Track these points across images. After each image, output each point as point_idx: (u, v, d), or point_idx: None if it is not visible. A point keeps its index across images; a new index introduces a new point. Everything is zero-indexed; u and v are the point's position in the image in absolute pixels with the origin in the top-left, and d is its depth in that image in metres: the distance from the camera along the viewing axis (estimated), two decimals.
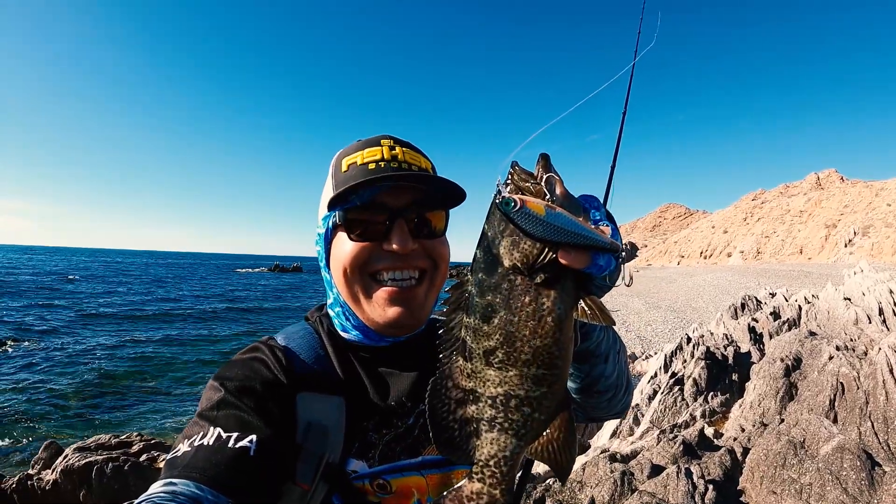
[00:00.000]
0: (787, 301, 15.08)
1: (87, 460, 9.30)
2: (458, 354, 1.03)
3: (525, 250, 0.91)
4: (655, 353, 19.79)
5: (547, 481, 7.07)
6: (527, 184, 0.97)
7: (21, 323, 35.26)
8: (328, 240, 1.47)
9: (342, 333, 1.53)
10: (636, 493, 5.80)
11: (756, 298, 17.35)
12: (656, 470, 6.40)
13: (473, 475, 1.05)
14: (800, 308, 13.74)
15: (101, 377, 21.66)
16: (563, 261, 0.89)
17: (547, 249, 0.90)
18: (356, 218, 1.39)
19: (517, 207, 0.89)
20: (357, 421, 1.37)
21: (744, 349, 12.12)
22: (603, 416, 1.62)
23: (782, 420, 7.04)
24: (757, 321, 13.79)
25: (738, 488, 6.11)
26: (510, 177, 0.99)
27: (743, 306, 16.89)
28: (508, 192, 0.94)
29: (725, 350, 11.65)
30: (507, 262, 0.93)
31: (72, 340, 29.81)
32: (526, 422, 1.00)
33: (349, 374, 1.45)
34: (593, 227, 0.94)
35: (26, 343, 28.09)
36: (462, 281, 1.02)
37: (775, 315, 14.05)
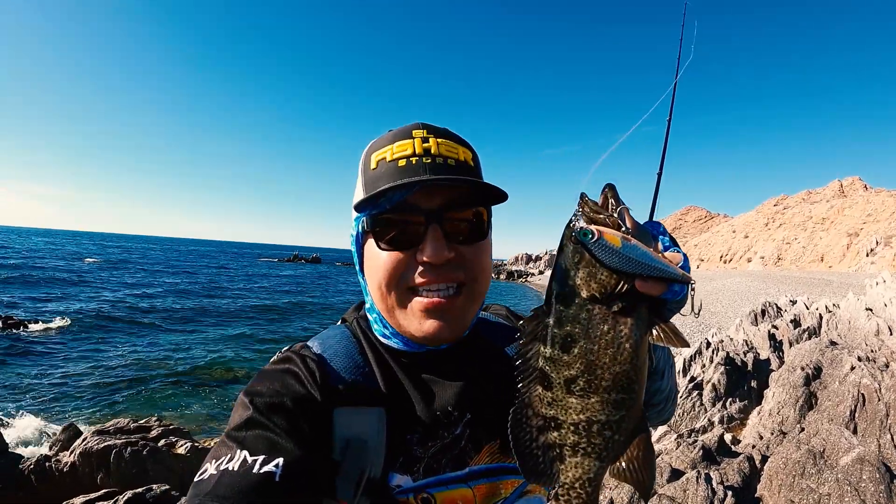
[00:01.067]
0: (807, 309, 15.03)
1: (105, 444, 9.23)
2: (537, 384, 1.06)
3: (602, 281, 0.96)
4: (674, 357, 19.73)
5: None
6: (600, 216, 1.00)
7: (43, 306, 35.59)
8: (359, 244, 1.38)
9: (382, 339, 1.44)
10: (655, 497, 5.88)
11: (776, 305, 17.27)
12: (676, 474, 6.47)
13: (560, 496, 1.08)
14: (820, 317, 13.69)
15: (122, 362, 21.78)
16: (640, 290, 0.94)
17: (624, 279, 0.95)
18: (386, 224, 1.29)
19: (595, 239, 0.94)
20: (400, 433, 1.30)
21: (763, 356, 12.09)
22: (652, 425, 1.64)
23: (802, 429, 7.09)
24: (777, 328, 13.75)
25: (756, 496, 6.17)
26: (580, 208, 1.01)
27: (763, 313, 16.82)
28: (583, 224, 0.98)
29: (745, 356, 11.63)
30: (584, 293, 0.97)
31: (94, 325, 30.01)
32: (608, 444, 1.04)
33: (390, 383, 1.36)
34: (664, 254, 1.00)
35: (47, 326, 28.32)
36: (538, 312, 1.05)
37: (795, 323, 14.01)
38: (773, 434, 7.88)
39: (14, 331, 26.52)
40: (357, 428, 1.27)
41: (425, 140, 1.31)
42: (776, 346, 12.80)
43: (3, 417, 14.61)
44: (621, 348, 0.98)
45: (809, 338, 12.38)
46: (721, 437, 7.90)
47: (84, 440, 9.60)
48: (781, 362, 11.41)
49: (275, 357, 1.41)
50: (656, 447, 8.62)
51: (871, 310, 12.18)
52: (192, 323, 33.87)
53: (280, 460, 1.08)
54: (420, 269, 1.27)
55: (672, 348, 1.58)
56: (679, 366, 13.24)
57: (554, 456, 1.07)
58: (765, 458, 6.86)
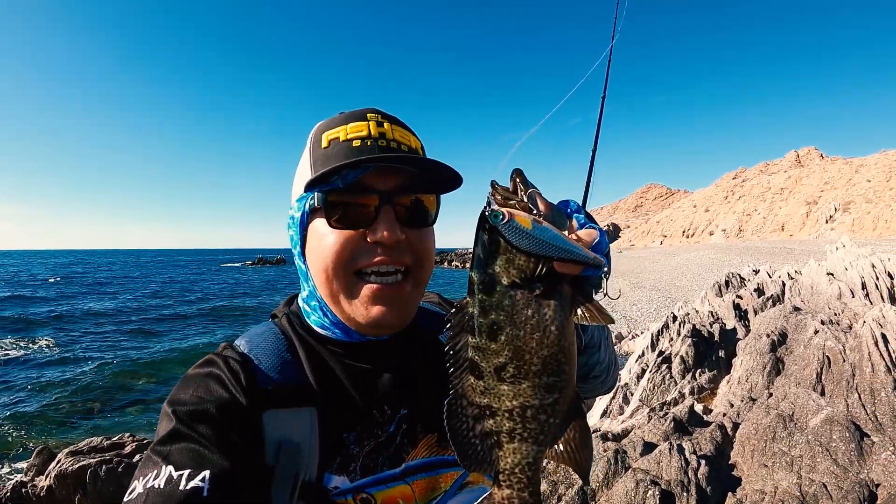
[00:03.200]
0: (770, 277, 15.24)
1: (80, 464, 9.15)
2: (469, 374, 1.04)
3: (521, 265, 0.95)
4: (641, 333, 19.95)
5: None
6: (511, 201, 1.01)
7: (6, 332, 34.94)
8: (303, 225, 1.33)
9: (318, 330, 1.40)
10: (630, 471, 5.88)
11: (740, 276, 17.50)
12: (649, 447, 6.48)
13: (501, 483, 1.08)
14: (783, 284, 13.89)
15: (90, 380, 21.48)
16: (559, 269, 0.93)
17: (541, 261, 0.94)
18: (338, 202, 1.25)
19: (506, 220, 0.92)
20: (335, 432, 1.26)
21: (729, 326, 12.24)
22: (595, 395, 1.63)
23: (770, 394, 7.16)
24: (741, 298, 13.93)
25: (730, 462, 6.21)
26: (492, 195, 1.02)
27: (727, 284, 17.01)
28: (498, 207, 0.97)
29: (711, 327, 11.75)
30: (505, 280, 0.96)
31: (56, 345, 29.55)
32: (543, 428, 1.03)
33: (322, 380, 1.31)
34: (578, 231, 1.02)
35: (9, 350, 27.81)
36: (462, 304, 1.02)
37: (759, 292, 14.19)
38: (742, 401, 7.96)
39: None
40: (288, 430, 1.21)
41: (380, 124, 1.30)
42: (741, 315, 12.96)
43: None
44: (547, 331, 0.97)
45: (773, 305, 12.54)
46: (692, 407, 7.96)
47: (59, 462, 9.57)
48: (748, 331, 11.54)
49: (198, 361, 1.34)
50: (629, 422, 8.67)
51: (832, 274, 12.38)
52: (159, 335, 33.63)
53: (206, 473, 1.04)
54: (370, 249, 1.25)
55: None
56: (647, 341, 13.36)
57: (492, 443, 1.06)
58: (736, 426, 6.91)
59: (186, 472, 1.03)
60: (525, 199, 1.01)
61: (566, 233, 0.99)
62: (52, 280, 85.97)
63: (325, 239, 1.25)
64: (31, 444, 14.03)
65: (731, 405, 8.12)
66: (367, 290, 1.25)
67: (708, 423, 7.35)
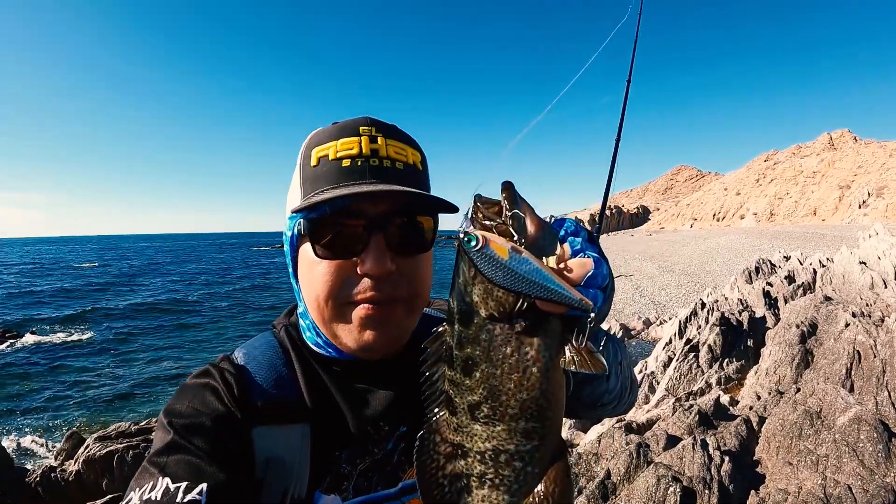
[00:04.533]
0: (801, 265, 15.00)
1: (107, 449, 9.36)
2: (444, 407, 0.96)
3: (499, 298, 0.84)
4: (670, 319, 19.79)
5: None
6: (491, 221, 0.88)
7: (37, 316, 35.62)
8: (294, 246, 1.27)
9: (313, 347, 1.34)
10: (652, 466, 5.83)
11: (770, 262, 17.24)
12: (672, 441, 6.43)
13: None
14: (814, 272, 13.66)
15: (121, 366, 21.94)
16: (541, 307, 0.82)
17: (522, 297, 0.83)
18: (325, 229, 1.17)
19: (478, 247, 0.82)
20: (327, 450, 1.22)
21: (759, 314, 12.07)
22: (607, 417, 1.56)
23: (798, 389, 7.03)
24: (771, 285, 13.72)
25: (754, 458, 6.14)
26: (475, 213, 0.90)
27: (757, 270, 16.76)
28: (469, 229, 0.87)
29: (740, 315, 11.59)
30: (483, 312, 0.86)
31: (89, 331, 30.13)
32: (518, 476, 0.94)
33: (317, 396, 1.27)
34: (569, 262, 0.87)
35: (42, 336, 28.38)
36: (439, 332, 0.95)
37: (790, 279, 13.98)
38: (770, 394, 7.86)
39: (14, 344, 26.56)
40: (277, 446, 1.18)
41: (373, 139, 1.20)
42: (771, 303, 12.78)
43: (7, 432, 14.67)
44: (528, 373, 0.87)
45: (804, 293, 12.35)
46: (717, 399, 7.88)
47: (87, 447, 9.78)
48: (777, 320, 11.39)
49: (195, 371, 1.31)
50: (654, 412, 8.62)
51: (864, 263, 12.13)
52: (191, 321, 34.03)
53: (204, 486, 1.02)
54: (359, 281, 1.17)
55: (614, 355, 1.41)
56: (675, 328, 13.24)
57: (461, 487, 0.97)
58: (762, 420, 6.82)
59: (183, 484, 1.01)
60: (508, 221, 0.87)
61: (553, 263, 0.87)
62: (86, 266, 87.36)
63: (314, 268, 1.19)
64: (62, 429, 14.36)
65: (759, 397, 8.03)
66: (357, 313, 1.18)
67: (733, 417, 7.26)
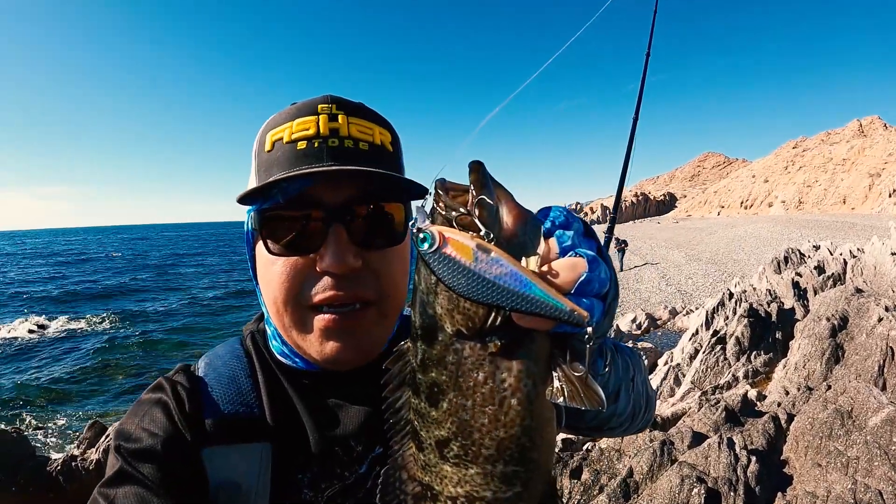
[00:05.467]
0: (831, 255, 14.65)
1: None
2: (411, 440, 0.81)
3: (468, 311, 0.67)
4: (696, 309, 19.52)
5: (585, 448, 7.04)
6: (454, 212, 0.69)
7: (61, 305, 36.18)
8: (251, 244, 1.15)
9: (279, 357, 1.21)
10: (676, 465, 5.72)
11: (799, 251, 16.89)
12: (697, 439, 6.30)
13: None
14: (845, 262, 13.34)
15: (144, 354, 22.22)
16: (518, 322, 0.65)
17: (494, 309, 0.65)
18: (278, 222, 1.05)
19: (434, 247, 0.64)
20: (289, 472, 1.10)
21: (787, 305, 11.81)
22: (618, 436, 1.41)
23: (829, 386, 6.85)
24: (801, 276, 13.42)
25: (782, 458, 5.99)
26: (435, 202, 0.71)
27: (786, 260, 16.43)
28: (421, 224, 0.68)
29: (769, 307, 11.35)
30: (448, 327, 0.69)
31: (113, 320, 30.56)
32: None
33: (281, 412, 1.14)
34: (555, 262, 0.67)
35: (66, 325, 28.82)
36: (402, 350, 0.80)
37: (819, 269, 13.66)
38: (798, 390, 7.68)
39: (39, 333, 27.01)
40: (230, 469, 1.06)
41: (333, 118, 1.06)
42: (800, 294, 12.51)
43: (30, 421, 14.91)
44: (505, 406, 0.69)
45: (834, 285, 12.07)
46: (745, 395, 7.72)
47: (108, 436, 9.84)
48: (807, 311, 11.14)
49: (150, 385, 1.21)
50: (679, 406, 8.48)
51: None
52: (215, 310, 34.35)
53: None
54: (320, 280, 1.04)
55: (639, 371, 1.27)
56: (702, 319, 13.03)
57: None
58: (790, 417, 6.66)
59: None
60: (474, 211, 0.67)
61: (533, 265, 0.66)
62: (114, 255, 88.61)
63: (270, 267, 1.07)
64: (84, 419, 14.57)
65: (787, 393, 7.85)
66: (319, 322, 1.05)
67: (761, 413, 7.11)
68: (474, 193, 0.67)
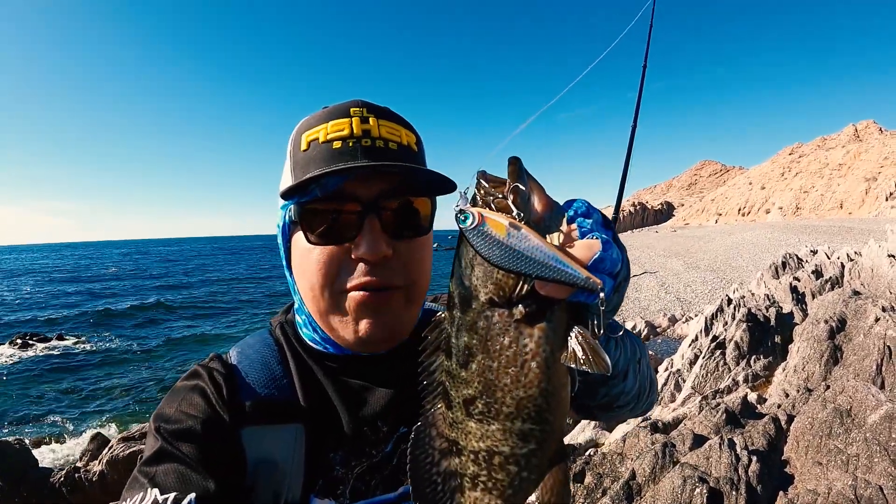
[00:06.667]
0: (829, 259, 14.74)
1: (131, 450, 9.50)
2: (441, 400, 0.91)
3: (499, 281, 0.78)
4: (696, 315, 19.56)
5: (588, 452, 7.06)
6: (491, 197, 0.81)
7: (63, 318, 36.20)
8: (286, 236, 1.23)
9: (310, 344, 1.30)
10: (678, 466, 5.75)
11: (797, 256, 16.97)
12: (698, 441, 6.33)
13: None
14: (842, 266, 13.42)
15: (145, 367, 22.25)
16: (540, 290, 0.75)
17: (523, 278, 0.76)
18: (317, 214, 1.13)
19: (474, 224, 0.76)
20: (321, 452, 1.18)
21: (786, 310, 11.86)
22: (623, 419, 1.46)
23: (828, 386, 6.90)
24: (799, 280, 13.50)
25: (783, 458, 6.03)
26: (477, 189, 0.83)
27: (784, 265, 16.52)
28: (463, 206, 0.80)
29: (767, 311, 11.41)
30: (482, 296, 0.80)
31: (112, 334, 30.60)
32: (512, 481, 0.87)
33: (312, 395, 1.22)
34: (576, 242, 0.79)
35: (68, 339, 28.85)
36: (439, 319, 0.89)
37: (817, 273, 13.73)
38: (798, 391, 7.72)
39: (41, 346, 27.03)
40: (267, 448, 1.15)
41: (364, 120, 1.15)
42: (799, 298, 12.56)
43: (33, 433, 14.91)
44: (525, 367, 0.79)
45: (832, 288, 12.14)
46: (745, 397, 7.76)
47: (111, 448, 9.92)
48: (805, 315, 11.20)
49: (186, 373, 1.28)
50: (680, 411, 8.51)
51: (893, 256, 11.89)
52: (215, 323, 34.32)
53: (192, 497, 1.00)
54: (355, 267, 1.12)
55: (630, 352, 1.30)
56: (701, 325, 13.07)
57: (455, 486, 0.91)
58: (790, 418, 6.70)
59: (172, 495, 0.99)
60: (508, 196, 0.80)
61: (557, 241, 0.80)
62: (112, 270, 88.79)
63: (308, 256, 1.15)
64: (87, 430, 14.58)
65: (787, 395, 7.89)
66: (353, 301, 1.13)
67: (761, 415, 7.14)
68: (510, 182, 0.80)
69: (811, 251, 17.14)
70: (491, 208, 0.80)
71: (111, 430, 14.11)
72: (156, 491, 0.99)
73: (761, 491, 5.30)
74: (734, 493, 5.23)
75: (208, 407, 1.15)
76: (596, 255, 0.75)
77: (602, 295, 0.73)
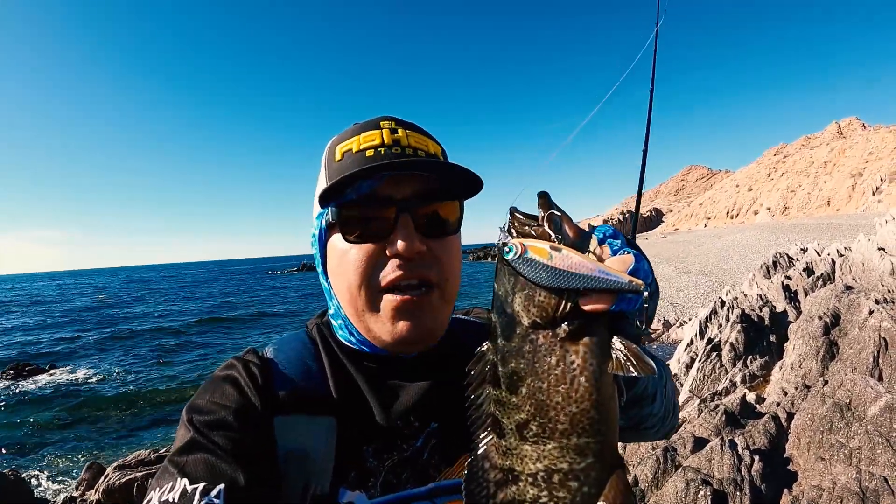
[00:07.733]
0: (819, 255, 14.76)
1: (127, 478, 9.43)
2: (491, 431, 0.91)
3: (541, 303, 0.81)
4: (690, 319, 19.56)
5: None
6: (527, 227, 0.87)
7: (53, 348, 36.04)
8: (322, 242, 1.28)
9: (345, 343, 1.33)
10: (680, 470, 5.70)
11: (787, 255, 17.00)
12: (699, 443, 6.29)
13: None
14: (833, 262, 13.43)
15: (139, 394, 22.12)
16: (584, 306, 0.79)
17: (564, 296, 0.79)
18: (353, 215, 1.19)
19: (518, 255, 0.81)
20: (353, 445, 1.19)
21: (779, 308, 11.88)
22: (646, 441, 1.48)
23: (826, 382, 6.88)
24: (790, 279, 13.50)
25: (785, 456, 5.98)
26: (510, 225, 0.89)
27: (775, 264, 16.54)
28: (510, 238, 0.85)
29: (761, 311, 11.42)
30: (525, 321, 0.83)
31: (104, 361, 30.47)
32: (574, 498, 0.85)
33: (346, 390, 1.25)
34: (610, 260, 0.84)
35: (60, 368, 28.73)
36: (482, 351, 0.91)
37: (809, 271, 13.75)
38: (796, 389, 7.70)
39: (33, 376, 26.93)
40: (299, 438, 1.17)
41: (394, 131, 1.24)
42: (791, 296, 12.57)
43: (28, 464, 14.80)
44: (575, 383, 0.81)
45: (824, 284, 12.15)
46: (743, 398, 7.74)
47: (107, 477, 9.90)
48: (799, 313, 11.21)
49: (221, 365, 1.31)
50: (679, 415, 8.45)
51: (883, 249, 11.94)
52: (206, 348, 34.16)
53: (221, 487, 1.01)
54: (390, 263, 1.17)
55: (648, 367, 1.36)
56: (695, 328, 13.07)
57: None
58: (790, 416, 6.67)
59: (201, 485, 1.00)
60: (545, 224, 0.86)
61: (593, 259, 0.83)
62: (100, 297, 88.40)
63: (345, 255, 1.20)
64: (82, 460, 14.46)
65: (785, 393, 7.86)
66: (389, 303, 1.17)
67: (761, 414, 7.11)
68: (543, 211, 0.86)
69: (801, 249, 17.18)
70: (528, 237, 0.86)
71: (106, 459, 13.97)
72: (185, 481, 1.01)
73: (765, 490, 5.25)
74: (738, 493, 5.18)
75: (241, 397, 1.18)
76: (631, 266, 0.82)
77: (646, 293, 0.78)
